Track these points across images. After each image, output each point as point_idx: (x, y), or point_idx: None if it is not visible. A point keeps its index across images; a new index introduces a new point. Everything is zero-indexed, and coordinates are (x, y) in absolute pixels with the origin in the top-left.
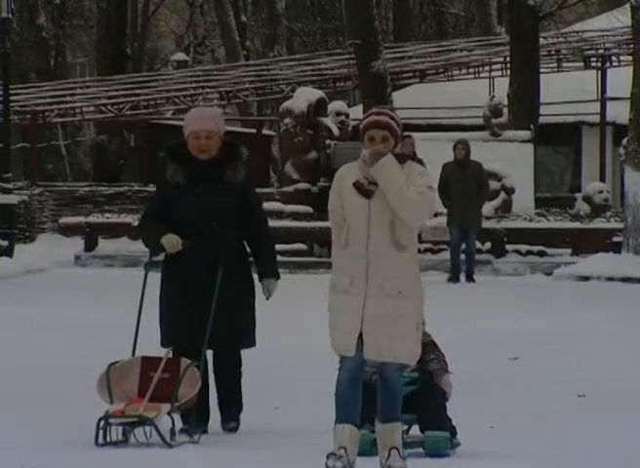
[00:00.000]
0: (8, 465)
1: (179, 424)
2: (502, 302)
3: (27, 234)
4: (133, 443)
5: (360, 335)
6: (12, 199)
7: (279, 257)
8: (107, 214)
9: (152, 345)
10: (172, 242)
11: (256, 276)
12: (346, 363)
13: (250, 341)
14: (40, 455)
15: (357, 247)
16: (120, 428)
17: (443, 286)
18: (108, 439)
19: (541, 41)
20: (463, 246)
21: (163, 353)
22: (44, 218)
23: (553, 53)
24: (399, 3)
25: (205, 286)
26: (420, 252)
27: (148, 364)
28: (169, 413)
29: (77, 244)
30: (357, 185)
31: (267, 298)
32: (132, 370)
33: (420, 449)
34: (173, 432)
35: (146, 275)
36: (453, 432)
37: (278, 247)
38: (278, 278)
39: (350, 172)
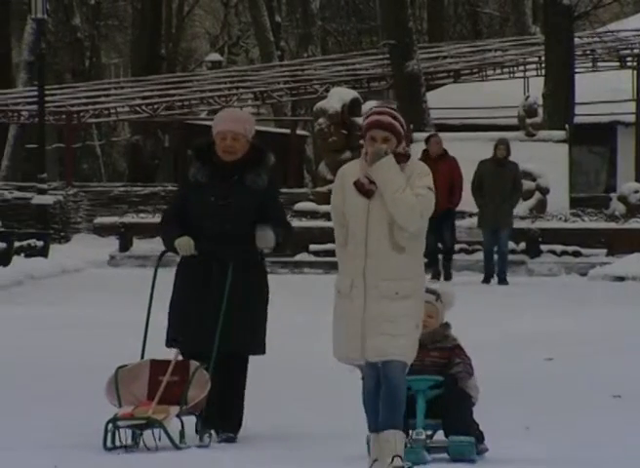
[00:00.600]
0: (39, 465)
1: (187, 427)
2: (537, 303)
3: (62, 234)
4: (142, 446)
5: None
6: (47, 199)
7: (313, 258)
8: (142, 215)
9: (163, 347)
10: (184, 246)
11: (270, 281)
12: (369, 371)
13: (259, 348)
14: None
15: (356, 247)
16: (129, 432)
17: (477, 286)
18: (117, 442)
19: (576, 41)
20: (496, 246)
21: (172, 356)
22: (79, 219)
23: (588, 52)
24: (434, 3)
25: (216, 287)
26: (454, 252)
27: (157, 367)
28: (178, 416)
29: (112, 244)
30: (357, 185)
31: (258, 242)
32: (141, 374)
33: (445, 455)
34: (182, 434)
35: (156, 270)
36: (479, 437)
37: (312, 247)
38: (278, 236)
39: (352, 170)
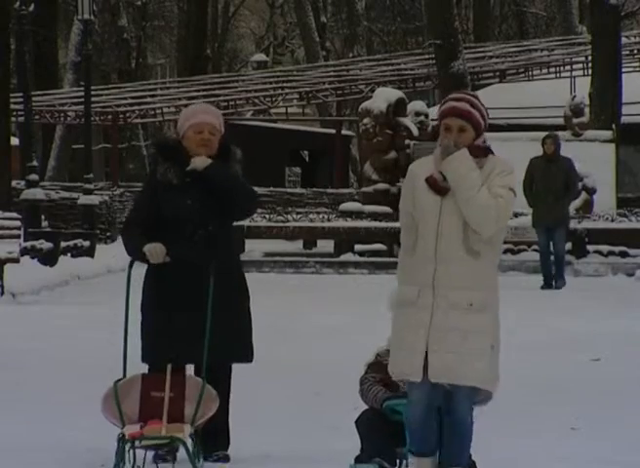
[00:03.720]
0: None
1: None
2: (583, 303)
3: (108, 234)
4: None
5: (426, 356)
6: (93, 199)
7: (358, 258)
8: None
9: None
10: (155, 252)
11: (249, 281)
12: (415, 389)
13: (245, 355)
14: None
15: (425, 250)
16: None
17: (522, 287)
18: (129, 464)
19: (624, 40)
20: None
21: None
22: (125, 219)
23: (635, 52)
24: (479, 3)
25: (195, 293)
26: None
27: (149, 382)
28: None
29: None
30: (430, 181)
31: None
32: (132, 390)
33: None
34: (197, 454)
35: (129, 282)
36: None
37: (357, 247)
38: (212, 169)
39: (424, 167)
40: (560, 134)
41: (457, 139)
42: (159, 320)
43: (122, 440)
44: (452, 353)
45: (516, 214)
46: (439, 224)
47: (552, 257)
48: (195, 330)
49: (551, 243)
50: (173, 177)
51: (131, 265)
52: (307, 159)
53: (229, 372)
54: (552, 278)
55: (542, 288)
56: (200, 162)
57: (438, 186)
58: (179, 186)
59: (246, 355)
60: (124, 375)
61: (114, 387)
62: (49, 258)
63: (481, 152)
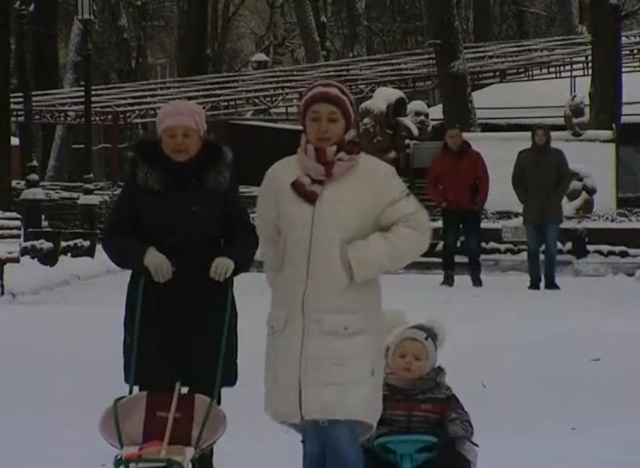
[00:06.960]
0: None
1: None
2: (583, 303)
3: None
4: None
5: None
6: (93, 199)
7: None
8: None
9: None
10: (162, 269)
11: (238, 298)
12: (312, 432)
13: (229, 377)
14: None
15: (295, 269)
16: None
17: (522, 287)
18: None
19: (624, 40)
20: (542, 246)
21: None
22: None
23: (635, 52)
24: (479, 3)
25: (184, 312)
26: (500, 252)
27: (155, 401)
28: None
29: None
30: (297, 186)
31: (213, 273)
32: (136, 409)
33: None
34: None
35: (140, 285)
36: None
37: None
38: (237, 266)
39: (287, 169)
40: (560, 133)
41: (324, 131)
42: (151, 335)
43: (119, 462)
44: (329, 385)
45: (516, 215)
46: (311, 238)
47: (543, 257)
48: (197, 347)
49: (544, 241)
50: (154, 183)
51: (145, 278)
52: None
53: (218, 396)
54: (540, 279)
55: (529, 288)
56: (222, 269)
57: (306, 191)
58: (161, 193)
59: (230, 379)
60: (131, 390)
61: (114, 407)
62: (49, 258)
63: (354, 148)
